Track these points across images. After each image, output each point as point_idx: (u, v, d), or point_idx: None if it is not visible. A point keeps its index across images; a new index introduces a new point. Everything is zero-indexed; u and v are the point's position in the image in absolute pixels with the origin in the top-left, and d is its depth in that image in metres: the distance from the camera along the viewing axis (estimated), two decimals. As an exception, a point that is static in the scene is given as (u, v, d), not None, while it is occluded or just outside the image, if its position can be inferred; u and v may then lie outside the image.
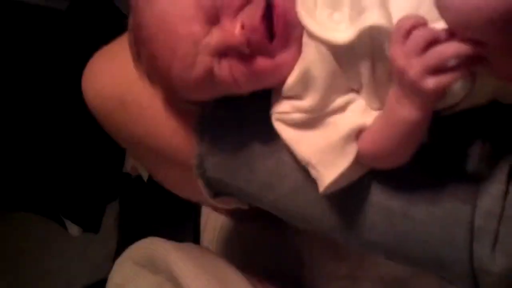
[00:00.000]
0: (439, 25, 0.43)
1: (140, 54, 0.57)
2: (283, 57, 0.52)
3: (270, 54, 0.52)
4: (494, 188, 0.51)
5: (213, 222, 1.30)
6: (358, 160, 0.53)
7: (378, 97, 0.52)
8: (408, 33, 0.43)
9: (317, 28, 0.50)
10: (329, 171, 0.53)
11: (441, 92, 0.43)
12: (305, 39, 0.52)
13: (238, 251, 1.09)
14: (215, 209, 1.27)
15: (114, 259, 0.91)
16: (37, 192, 1.77)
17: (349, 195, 0.56)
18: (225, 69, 0.52)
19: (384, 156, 0.52)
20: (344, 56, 0.50)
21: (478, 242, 0.52)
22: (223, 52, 0.51)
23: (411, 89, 0.44)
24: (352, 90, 0.53)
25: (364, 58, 0.49)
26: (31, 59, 1.63)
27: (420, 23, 0.43)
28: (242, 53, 0.51)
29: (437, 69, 0.42)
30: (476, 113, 0.51)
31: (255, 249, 1.06)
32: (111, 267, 0.89)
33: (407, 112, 0.46)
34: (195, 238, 1.29)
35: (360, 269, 0.86)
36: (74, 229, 1.78)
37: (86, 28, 1.61)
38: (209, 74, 0.52)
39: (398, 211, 0.55)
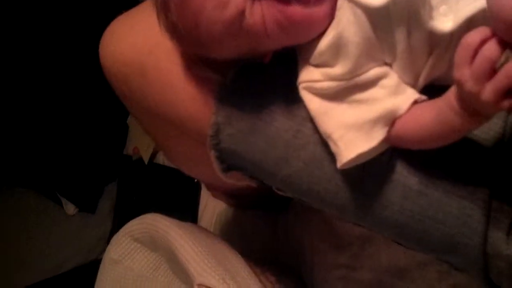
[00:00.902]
0: None
1: (168, 5, 0.55)
2: (317, 10, 0.51)
3: (304, 5, 0.51)
4: None
5: (211, 209, 1.29)
6: (387, 141, 0.52)
7: (412, 68, 0.51)
8: (474, 53, 0.41)
9: None
10: (348, 149, 0.53)
11: None
12: (340, 2, 0.51)
13: (236, 238, 1.08)
14: (214, 195, 1.26)
15: (109, 240, 0.90)
16: (36, 169, 1.76)
17: (367, 171, 0.56)
18: (257, 13, 0.51)
19: (420, 145, 0.52)
20: (379, 22, 0.49)
21: (493, 225, 0.52)
22: None
23: (480, 108, 0.43)
24: (385, 63, 0.52)
25: (400, 24, 0.49)
26: (40, 35, 1.62)
27: (484, 38, 0.41)
28: None
29: (510, 89, 0.40)
30: None
31: (253, 236, 1.06)
32: (105, 248, 0.88)
33: (463, 122, 0.45)
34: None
35: (359, 259, 0.85)
36: (70, 208, 1.77)
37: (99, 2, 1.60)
38: (240, 17, 0.51)
39: (416, 189, 0.55)
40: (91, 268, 0.92)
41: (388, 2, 0.47)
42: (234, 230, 1.12)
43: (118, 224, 1.69)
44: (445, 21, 0.48)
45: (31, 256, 1.69)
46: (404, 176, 0.55)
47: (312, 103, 0.55)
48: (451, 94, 0.46)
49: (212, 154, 0.66)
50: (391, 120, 0.52)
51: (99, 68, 0.76)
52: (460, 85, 0.43)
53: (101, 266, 0.85)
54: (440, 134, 0.48)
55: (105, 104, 1.54)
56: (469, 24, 0.46)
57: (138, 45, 0.69)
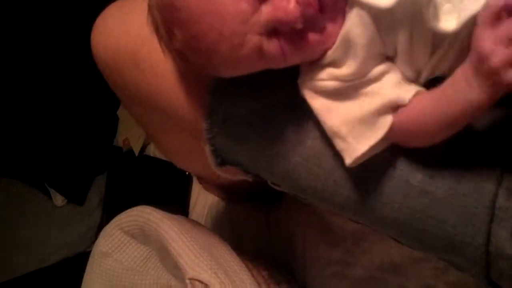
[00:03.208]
0: None
1: (173, 34, 0.53)
2: (332, 29, 0.50)
3: (320, 27, 0.50)
4: None
5: (202, 202, 1.28)
6: (392, 134, 0.51)
7: (414, 66, 0.51)
8: (500, 15, 0.41)
9: None
10: (360, 143, 0.52)
11: None
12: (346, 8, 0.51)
13: (228, 231, 1.07)
14: (206, 188, 1.25)
15: (98, 232, 0.89)
16: (25, 159, 1.74)
17: (367, 167, 0.54)
18: (275, 46, 0.50)
19: (425, 136, 0.50)
20: (384, 22, 0.49)
21: (497, 223, 0.50)
22: (273, 29, 0.49)
23: (487, 76, 0.43)
24: (387, 58, 0.52)
25: (403, 26, 0.48)
26: (28, 24, 1.60)
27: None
28: (293, 29, 0.49)
29: None
30: None
31: (245, 230, 1.05)
32: (93, 241, 0.87)
33: (474, 95, 0.44)
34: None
35: (353, 255, 0.85)
36: (58, 199, 1.75)
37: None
38: (258, 52, 0.50)
39: (418, 187, 0.54)
40: (79, 261, 0.90)
41: (394, 4, 0.47)
42: (225, 223, 1.11)
43: (107, 216, 1.68)
44: (448, 20, 0.47)
45: (18, 247, 1.67)
46: (406, 173, 0.54)
47: (316, 101, 0.54)
48: (461, 68, 0.45)
49: (207, 148, 0.65)
50: (395, 108, 0.51)
51: (89, 58, 0.74)
52: (476, 43, 0.43)
53: (90, 258, 0.84)
54: (447, 112, 0.47)
55: (95, 95, 1.52)
56: (474, 22, 0.45)
57: (132, 34, 0.68)
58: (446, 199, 0.53)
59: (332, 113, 0.53)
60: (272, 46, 0.50)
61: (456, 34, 0.47)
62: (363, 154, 0.52)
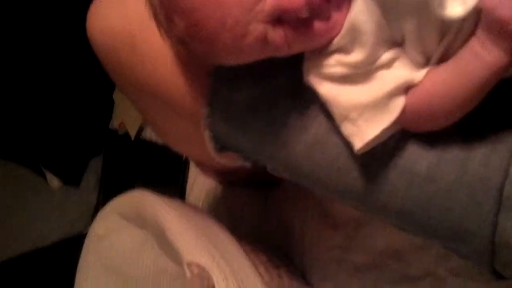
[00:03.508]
0: None
1: (173, 22, 0.52)
2: (338, 17, 0.49)
3: (326, 16, 0.49)
4: None
5: (200, 185, 1.27)
6: (401, 117, 0.50)
7: (422, 51, 0.49)
8: None
9: None
10: (370, 126, 0.51)
11: None
12: None
13: (225, 215, 1.07)
14: (203, 172, 1.24)
15: (93, 214, 0.88)
16: (20, 141, 1.72)
17: (371, 155, 0.54)
18: (280, 35, 0.49)
19: (435, 112, 0.49)
20: (390, 9, 0.48)
21: (504, 213, 0.50)
22: (278, 18, 0.48)
23: (498, 30, 0.42)
24: (396, 44, 0.51)
25: (409, 13, 0.47)
26: (23, 6, 1.57)
27: None
28: (299, 17, 0.48)
29: None
30: None
31: (243, 214, 1.05)
32: (89, 222, 0.86)
33: (490, 55, 0.44)
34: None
35: (354, 240, 0.84)
36: (54, 181, 1.74)
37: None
38: (262, 41, 0.49)
39: (423, 175, 0.53)
40: (75, 242, 0.90)
41: None
42: (223, 207, 1.11)
43: (103, 198, 1.67)
44: (454, 6, 0.46)
45: (13, 229, 1.67)
46: (411, 162, 0.53)
47: (323, 86, 0.53)
48: (473, 37, 0.45)
49: (207, 134, 0.64)
50: (406, 89, 0.50)
51: (84, 40, 0.73)
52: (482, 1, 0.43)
53: (86, 241, 0.83)
54: (462, 87, 0.46)
55: (91, 77, 1.51)
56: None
57: (129, 16, 0.66)
58: (452, 188, 0.52)
59: (341, 97, 0.52)
60: (277, 35, 0.49)
61: (463, 20, 0.46)
62: (375, 138, 0.51)
